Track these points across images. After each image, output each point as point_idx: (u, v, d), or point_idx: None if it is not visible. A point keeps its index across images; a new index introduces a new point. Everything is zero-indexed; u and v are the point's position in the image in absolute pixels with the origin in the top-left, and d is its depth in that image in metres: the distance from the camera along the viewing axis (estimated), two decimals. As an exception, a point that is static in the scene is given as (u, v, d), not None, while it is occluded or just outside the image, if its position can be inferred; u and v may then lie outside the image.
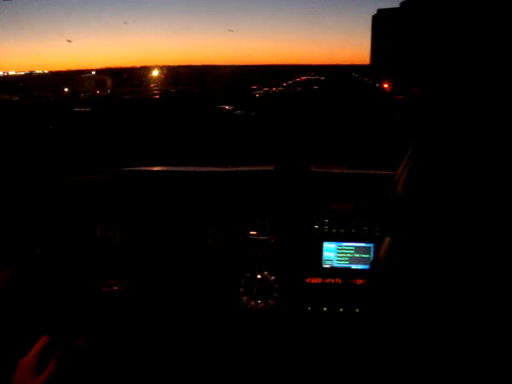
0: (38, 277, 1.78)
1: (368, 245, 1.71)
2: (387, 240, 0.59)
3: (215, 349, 1.69)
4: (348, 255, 1.73)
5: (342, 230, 1.72)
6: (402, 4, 0.73)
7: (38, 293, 1.77)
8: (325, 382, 1.63)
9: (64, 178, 1.83)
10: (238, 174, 1.88)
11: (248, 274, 1.74)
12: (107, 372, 1.64)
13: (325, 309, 1.73)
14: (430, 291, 0.52)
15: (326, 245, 1.73)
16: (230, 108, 16.42)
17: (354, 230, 1.71)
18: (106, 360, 1.68)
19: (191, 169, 1.91)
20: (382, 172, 1.81)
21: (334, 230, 1.72)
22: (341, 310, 1.73)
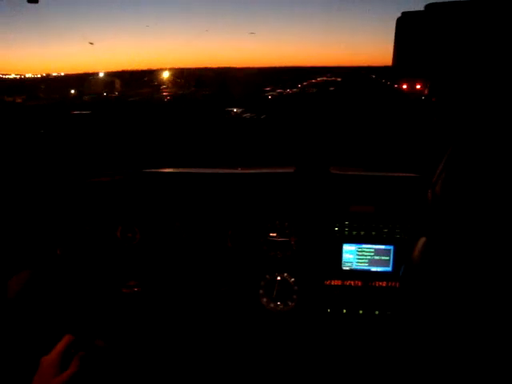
0: (58, 277, 1.81)
1: (388, 247, 1.70)
2: (422, 240, 0.59)
3: (235, 350, 1.70)
4: (368, 257, 1.72)
5: (362, 232, 1.71)
6: (426, 7, 0.73)
7: (58, 293, 1.79)
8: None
9: (85, 179, 1.85)
10: (259, 176, 1.88)
11: (268, 276, 1.75)
12: (127, 372, 1.66)
13: (344, 311, 1.73)
14: (469, 291, 0.51)
15: (346, 247, 1.72)
16: (239, 110, 15.97)
17: (373, 233, 1.71)
18: (126, 360, 1.70)
19: (212, 170, 1.92)
20: (402, 174, 1.80)
21: (354, 232, 1.71)
22: (360, 312, 1.72)
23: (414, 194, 1.70)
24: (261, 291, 1.74)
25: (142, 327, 1.78)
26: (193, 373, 1.65)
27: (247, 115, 15.21)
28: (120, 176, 1.87)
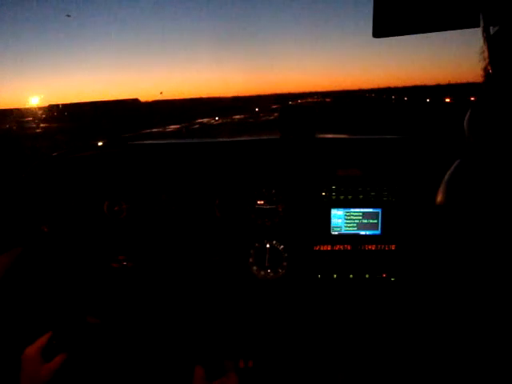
0: (46, 254, 1.79)
1: (376, 210, 1.70)
2: (453, 167, 0.55)
3: (228, 319, 1.71)
4: (356, 221, 1.72)
5: (350, 196, 1.71)
6: None
7: (48, 270, 1.78)
8: (335, 351, 1.63)
9: (68, 154, 1.82)
10: (243, 143, 1.86)
11: (257, 244, 1.74)
12: (119, 347, 1.66)
13: (335, 276, 1.73)
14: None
15: (334, 211, 1.72)
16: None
17: (361, 196, 1.70)
18: (118, 335, 1.70)
19: (196, 140, 1.90)
20: (388, 136, 1.79)
21: (342, 197, 1.71)
22: (351, 276, 1.73)
23: (400, 155, 1.69)
24: (251, 259, 1.74)
25: (133, 301, 1.78)
26: (186, 344, 1.65)
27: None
28: (103, 150, 1.85)
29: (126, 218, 1.79)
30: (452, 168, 0.55)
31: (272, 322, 1.69)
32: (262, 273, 1.74)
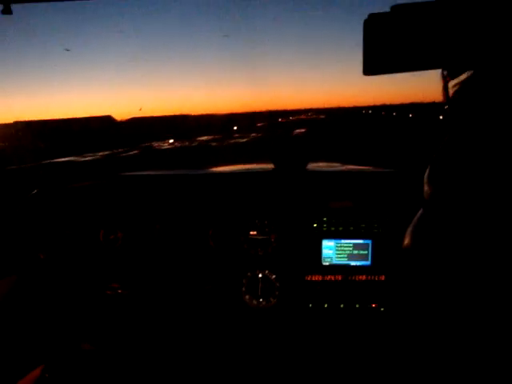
0: (42, 282, 1.82)
1: (366, 242, 1.74)
2: (417, 217, 0.59)
3: (219, 347, 1.73)
4: (347, 252, 1.75)
5: (341, 228, 1.74)
6: (392, 8, 0.76)
7: (43, 297, 1.81)
8: (327, 379, 1.66)
9: (66, 185, 1.86)
10: (236, 175, 1.90)
11: (249, 274, 1.77)
12: (112, 374, 1.68)
13: (326, 305, 1.76)
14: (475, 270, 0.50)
15: (325, 242, 1.75)
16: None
17: (352, 228, 1.74)
18: (111, 362, 1.72)
19: (190, 172, 1.94)
20: (379, 170, 1.83)
21: (333, 228, 1.75)
22: (341, 306, 1.76)
23: (391, 188, 1.73)
24: (243, 288, 1.77)
25: (127, 328, 1.81)
26: (178, 371, 1.67)
27: None
28: (99, 181, 1.88)
29: (121, 246, 1.82)
30: (416, 217, 0.60)
31: (264, 351, 1.72)
32: (255, 302, 1.77)
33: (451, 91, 0.60)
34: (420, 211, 0.60)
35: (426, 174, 0.57)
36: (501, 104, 0.49)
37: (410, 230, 0.60)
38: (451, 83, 0.62)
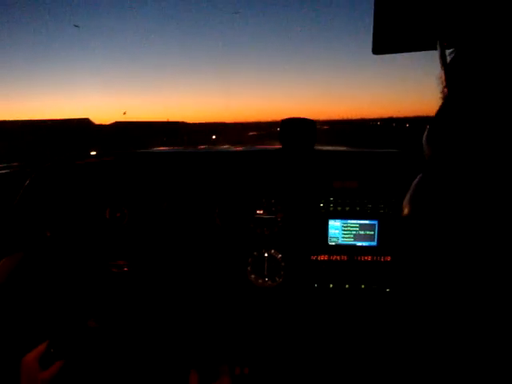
0: (48, 259, 1.82)
1: (372, 222, 1.74)
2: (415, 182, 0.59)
3: (224, 326, 1.73)
4: (353, 232, 1.75)
5: (347, 208, 1.75)
6: None
7: (49, 275, 1.81)
8: (331, 359, 1.66)
9: (73, 161, 1.86)
10: (244, 153, 1.90)
11: (255, 253, 1.78)
12: (116, 351, 1.68)
13: (331, 285, 1.77)
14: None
15: (332, 222, 1.76)
16: None
17: (358, 208, 1.74)
18: (117, 340, 1.73)
19: (197, 150, 1.94)
20: (385, 150, 1.83)
21: (339, 208, 1.75)
22: (347, 286, 1.76)
23: (397, 169, 1.73)
24: (249, 267, 1.78)
25: (132, 306, 1.81)
26: (184, 350, 1.67)
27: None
28: (108, 157, 1.88)
29: (127, 224, 1.83)
30: (414, 182, 0.60)
31: (269, 330, 1.72)
32: (260, 281, 1.78)
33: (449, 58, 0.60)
34: (418, 177, 0.59)
35: (424, 135, 0.57)
36: (499, 64, 0.49)
37: (408, 197, 0.59)
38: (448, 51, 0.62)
